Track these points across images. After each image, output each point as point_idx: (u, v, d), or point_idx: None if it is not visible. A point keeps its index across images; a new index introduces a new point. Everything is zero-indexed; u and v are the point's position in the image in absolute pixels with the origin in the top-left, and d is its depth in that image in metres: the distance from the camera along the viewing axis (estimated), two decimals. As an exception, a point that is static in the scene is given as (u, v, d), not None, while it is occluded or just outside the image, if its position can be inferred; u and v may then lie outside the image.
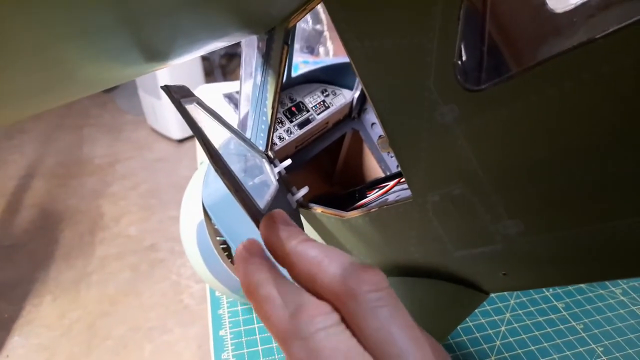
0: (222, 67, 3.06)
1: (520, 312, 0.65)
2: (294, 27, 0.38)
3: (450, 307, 0.41)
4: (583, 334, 0.62)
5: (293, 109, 0.56)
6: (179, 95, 0.27)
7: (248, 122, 0.43)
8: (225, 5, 0.29)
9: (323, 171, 0.69)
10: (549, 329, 0.63)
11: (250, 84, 0.42)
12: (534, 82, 0.23)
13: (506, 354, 0.59)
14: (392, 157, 0.62)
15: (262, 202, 0.28)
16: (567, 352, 0.59)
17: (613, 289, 0.69)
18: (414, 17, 0.25)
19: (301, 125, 0.55)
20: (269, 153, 0.42)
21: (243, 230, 0.51)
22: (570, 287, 0.69)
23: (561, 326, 0.63)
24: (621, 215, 0.24)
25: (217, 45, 0.39)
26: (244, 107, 0.46)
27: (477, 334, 0.62)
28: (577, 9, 0.34)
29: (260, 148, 0.42)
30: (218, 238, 0.56)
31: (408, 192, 0.34)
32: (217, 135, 0.48)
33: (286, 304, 0.20)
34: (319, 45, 1.16)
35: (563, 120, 0.23)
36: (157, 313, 1.60)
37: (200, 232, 0.56)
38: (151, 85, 2.42)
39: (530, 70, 0.23)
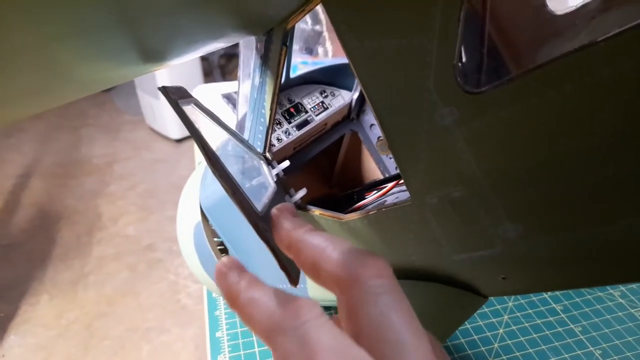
0: (221, 67, 3.05)
1: (518, 314, 0.65)
2: (293, 28, 0.38)
3: (449, 311, 0.41)
4: (581, 337, 0.62)
5: (291, 110, 0.56)
6: (176, 97, 0.27)
7: (246, 124, 0.43)
8: (224, 6, 0.29)
9: (321, 173, 0.69)
10: (547, 332, 0.63)
11: (249, 85, 0.42)
12: (535, 85, 0.23)
13: (504, 357, 0.59)
14: (390, 158, 0.61)
15: (259, 204, 0.28)
16: (566, 355, 0.59)
17: (611, 291, 0.69)
18: (413, 17, 0.25)
19: (299, 127, 0.55)
20: (267, 155, 0.42)
21: (241, 232, 0.51)
22: (568, 290, 0.69)
23: (559, 329, 0.63)
24: (621, 217, 0.24)
25: (215, 46, 0.39)
26: (242, 108, 0.46)
27: (475, 337, 0.62)
28: (578, 11, 0.34)
29: (258, 149, 0.42)
30: (215, 240, 0.56)
31: (407, 194, 0.33)
32: (215, 137, 0.47)
33: (270, 303, 0.20)
34: (318, 46, 1.16)
35: (563, 122, 0.23)
36: (155, 313, 1.60)
37: (198, 234, 0.56)
38: (150, 85, 2.42)
39: (531, 73, 0.23)
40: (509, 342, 0.61)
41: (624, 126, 0.21)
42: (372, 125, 0.61)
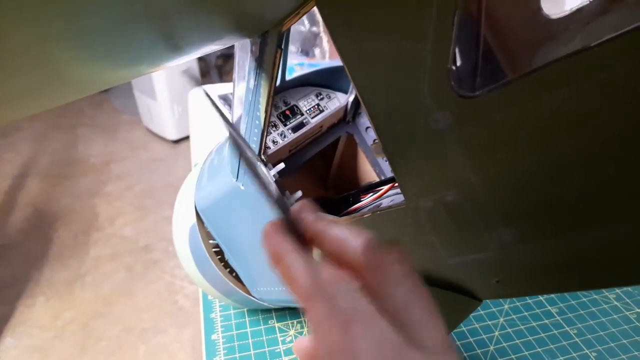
0: (218, 67, 3.05)
1: (514, 317, 0.65)
2: (288, 30, 0.38)
3: (443, 314, 0.41)
4: (577, 339, 0.62)
5: (287, 112, 0.56)
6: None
7: (241, 126, 0.43)
8: (218, 9, 0.29)
9: (317, 175, 0.69)
10: (542, 334, 0.63)
11: (244, 87, 0.42)
12: (530, 89, 0.23)
13: (500, 360, 0.59)
14: (386, 161, 0.61)
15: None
16: (561, 358, 0.59)
17: (607, 294, 0.69)
18: (407, 21, 0.25)
19: (295, 129, 0.55)
20: (262, 157, 0.42)
21: (235, 233, 0.51)
22: (562, 293, 0.69)
23: (555, 331, 0.63)
24: (615, 221, 0.24)
25: (211, 48, 0.39)
26: (237, 110, 0.46)
27: (471, 339, 0.62)
28: (572, 15, 0.34)
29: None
30: (211, 241, 0.56)
31: (402, 197, 0.33)
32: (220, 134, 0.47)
33: (310, 269, 0.23)
34: (314, 47, 1.16)
35: (558, 127, 0.23)
36: (152, 314, 1.60)
37: (193, 236, 0.56)
38: (146, 86, 2.41)
39: (526, 77, 0.23)
40: (504, 344, 0.61)
41: (619, 130, 0.21)
42: (367, 127, 0.61)
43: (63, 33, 0.21)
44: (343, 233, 0.24)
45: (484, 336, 0.62)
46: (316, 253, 0.26)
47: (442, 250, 0.34)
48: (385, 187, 0.48)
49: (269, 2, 0.32)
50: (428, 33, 0.25)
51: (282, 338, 0.62)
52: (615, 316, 0.65)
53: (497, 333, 0.63)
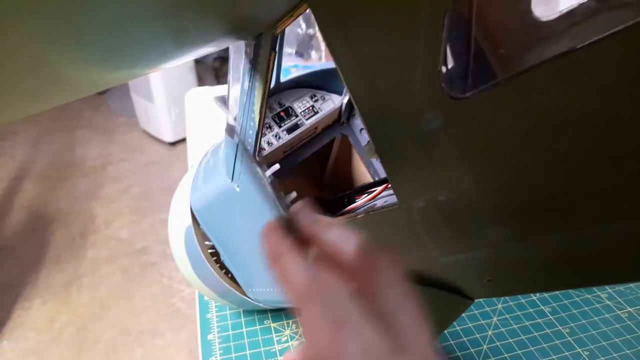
0: (215, 69, 3.05)
1: (507, 316, 0.66)
2: (282, 33, 0.38)
3: (435, 314, 0.41)
4: (569, 338, 0.62)
5: (282, 113, 0.56)
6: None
7: (235, 127, 0.43)
8: (212, 11, 0.29)
9: (312, 176, 0.69)
10: (535, 333, 0.63)
11: (238, 89, 0.42)
12: (520, 90, 0.23)
13: (493, 359, 0.60)
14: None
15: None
16: (553, 356, 0.60)
17: (599, 293, 0.69)
18: (399, 23, 0.25)
19: (290, 130, 0.55)
20: (257, 158, 0.42)
21: (231, 234, 0.51)
22: (556, 291, 0.70)
23: (547, 330, 0.64)
24: (605, 219, 0.25)
25: (205, 50, 0.39)
26: (232, 111, 0.46)
27: (464, 338, 0.62)
28: (563, 17, 0.34)
29: (248, 153, 0.42)
30: (206, 243, 0.56)
31: (395, 198, 0.34)
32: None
33: (306, 271, 0.23)
34: (311, 50, 1.16)
35: (548, 127, 0.23)
36: (148, 317, 1.60)
37: (188, 237, 0.56)
38: (143, 88, 2.41)
39: (516, 78, 0.23)
40: (497, 343, 0.62)
41: (609, 131, 0.22)
42: (362, 129, 0.61)
43: (61, 37, 0.21)
44: (338, 236, 0.25)
45: (477, 335, 0.63)
46: (312, 252, 0.27)
47: (434, 249, 0.35)
48: (379, 188, 0.49)
49: (262, 4, 0.33)
50: (419, 35, 0.25)
51: (277, 338, 0.62)
52: (607, 315, 0.66)
53: (490, 332, 0.63)
